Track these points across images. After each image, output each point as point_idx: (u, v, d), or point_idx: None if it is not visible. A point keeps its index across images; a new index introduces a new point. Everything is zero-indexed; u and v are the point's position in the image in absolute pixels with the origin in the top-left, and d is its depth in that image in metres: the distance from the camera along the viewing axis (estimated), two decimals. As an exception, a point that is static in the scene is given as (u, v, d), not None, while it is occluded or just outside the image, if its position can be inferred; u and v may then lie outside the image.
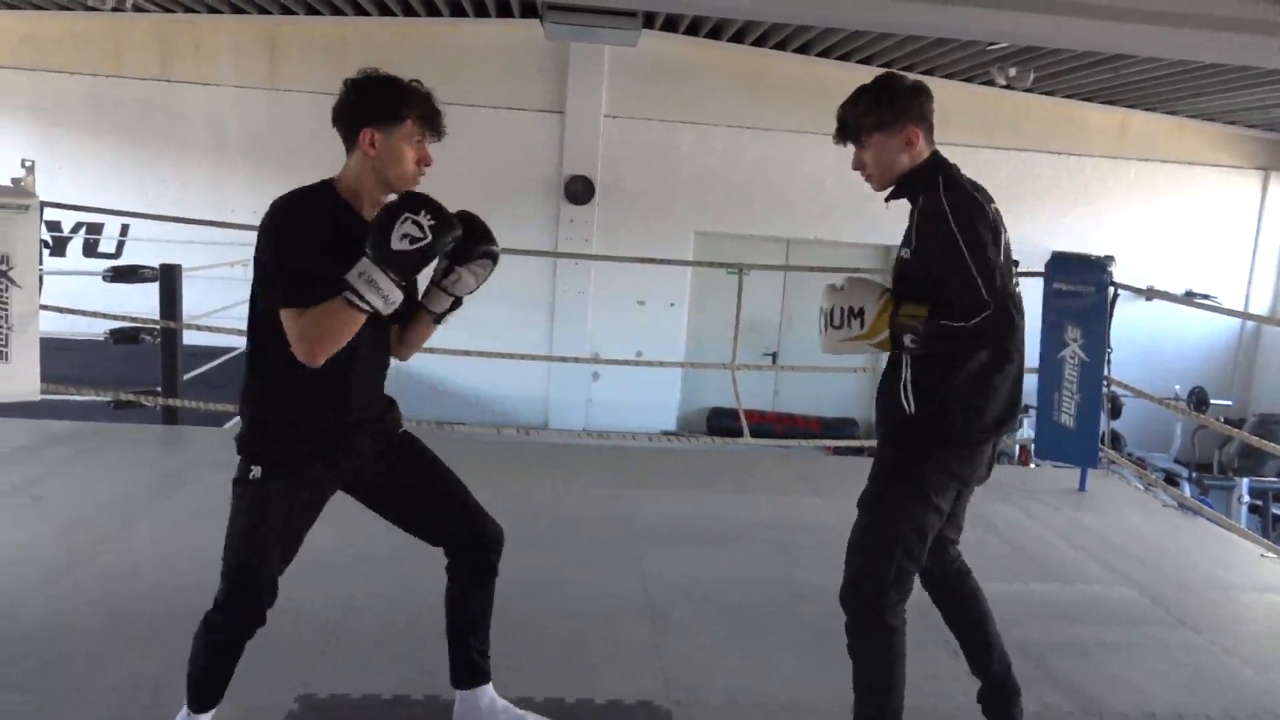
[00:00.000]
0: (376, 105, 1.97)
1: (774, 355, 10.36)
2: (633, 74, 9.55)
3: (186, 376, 5.44)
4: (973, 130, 10.03)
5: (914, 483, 2.11)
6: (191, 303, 5.55)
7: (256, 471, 2.03)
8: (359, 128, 1.97)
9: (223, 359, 6.31)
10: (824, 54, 9.48)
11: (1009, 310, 1.99)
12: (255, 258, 1.97)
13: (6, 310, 4.17)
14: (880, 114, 2.11)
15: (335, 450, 2.09)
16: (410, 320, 2.19)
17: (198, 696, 2.13)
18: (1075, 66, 8.47)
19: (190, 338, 5.64)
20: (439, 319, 2.20)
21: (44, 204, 4.63)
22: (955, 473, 2.13)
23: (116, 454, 4.60)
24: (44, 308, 4.52)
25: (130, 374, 5.74)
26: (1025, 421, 9.19)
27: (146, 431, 5.10)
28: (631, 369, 8.43)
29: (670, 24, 9.24)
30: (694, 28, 9.32)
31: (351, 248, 1.90)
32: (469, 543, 2.25)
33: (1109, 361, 4.83)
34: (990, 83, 9.27)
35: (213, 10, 9.02)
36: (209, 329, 5.63)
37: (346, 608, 3.01)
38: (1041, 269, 5.19)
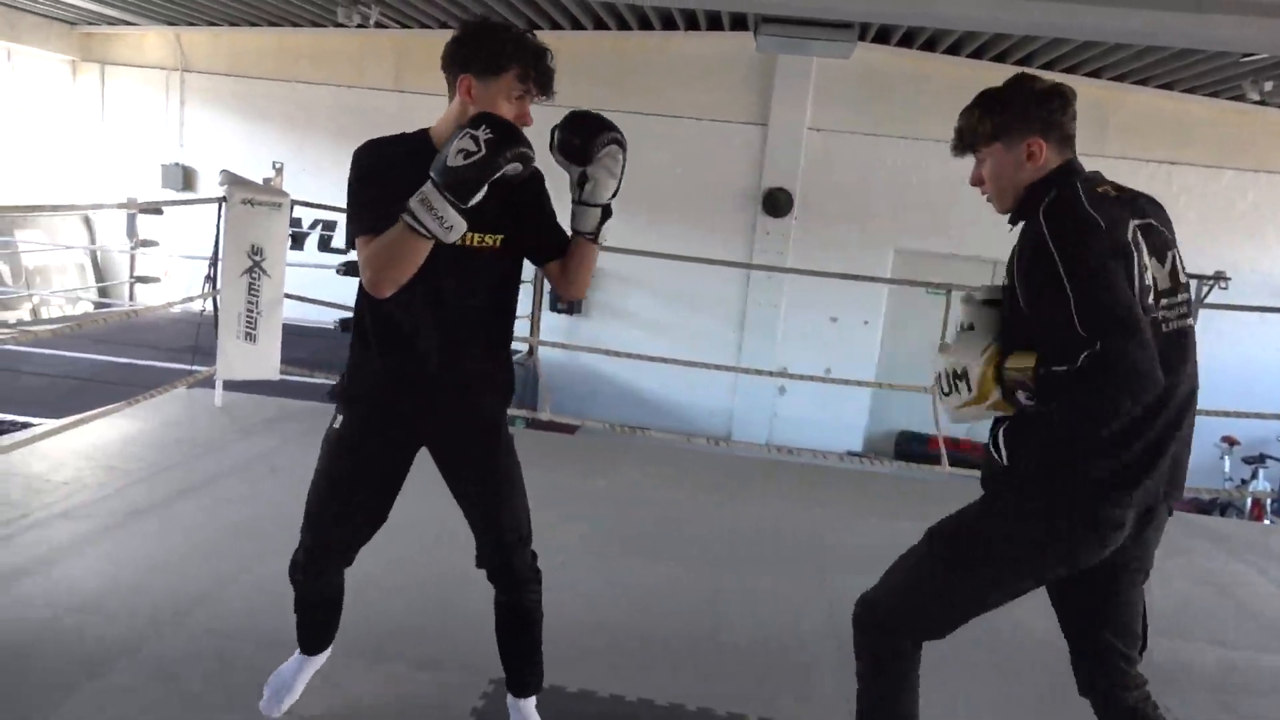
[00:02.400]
0: (478, 53, 1.87)
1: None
2: (839, 86, 9.39)
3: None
4: (1216, 150, 9.19)
5: (979, 532, 1.82)
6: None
7: (338, 420, 2.06)
8: (458, 74, 1.89)
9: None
10: (1048, 66, 8.94)
11: (1125, 343, 1.55)
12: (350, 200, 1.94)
13: (257, 297, 4.62)
14: (996, 120, 1.82)
15: (406, 399, 2.01)
16: (569, 253, 2.05)
17: (301, 638, 2.31)
18: (1346, 80, 7.56)
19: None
20: (594, 236, 2.00)
21: (294, 202, 5.09)
22: (1056, 550, 1.76)
23: (314, 438, 4.97)
24: (287, 296, 4.97)
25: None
26: (1260, 472, 8.31)
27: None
28: (819, 386, 8.27)
29: (882, 35, 9.01)
30: (908, 39, 9.05)
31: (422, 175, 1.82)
32: (500, 574, 2.15)
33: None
34: (1240, 98, 8.43)
35: (444, 26, 9.65)
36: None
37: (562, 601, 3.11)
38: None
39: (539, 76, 1.89)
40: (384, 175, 1.87)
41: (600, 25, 9.41)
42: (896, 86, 9.41)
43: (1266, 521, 6.85)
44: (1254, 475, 8.32)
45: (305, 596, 2.26)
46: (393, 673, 2.61)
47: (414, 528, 3.53)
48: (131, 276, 10.52)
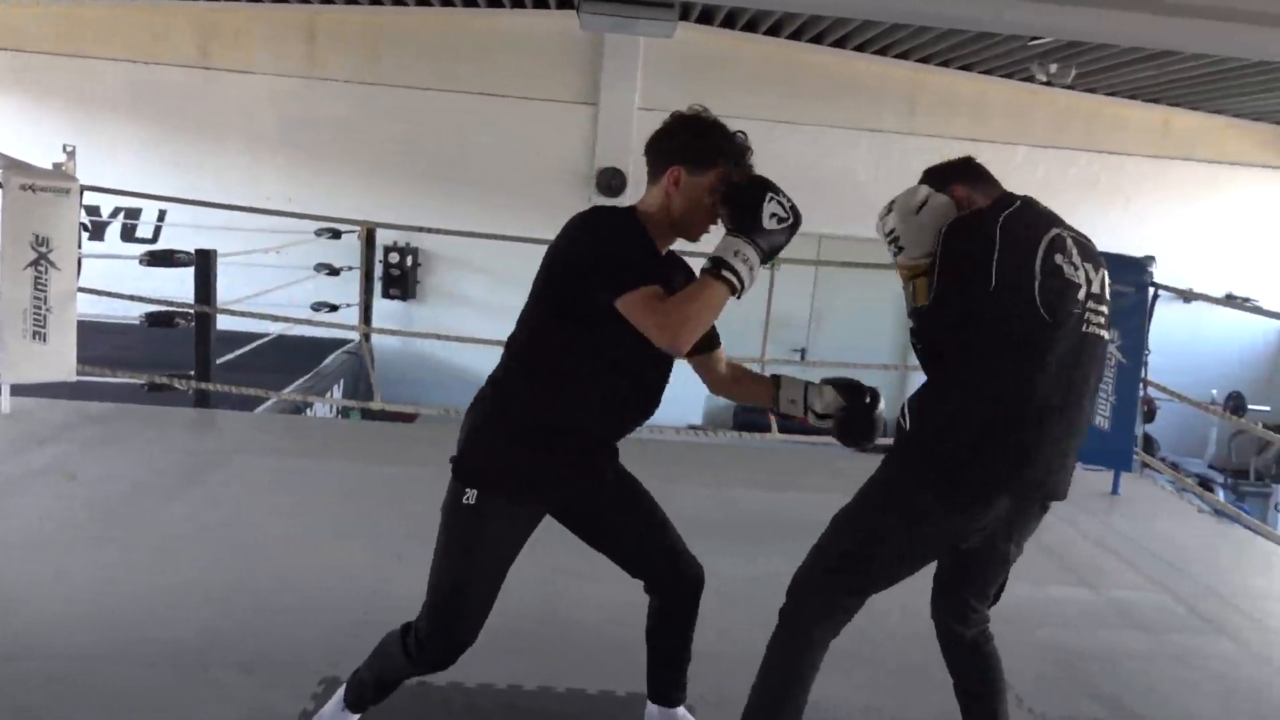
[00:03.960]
0: (692, 145, 1.95)
1: (803, 351, 10.30)
2: (667, 66, 9.51)
3: (219, 361, 5.49)
4: (1011, 128, 9.92)
5: (889, 492, 2.01)
6: (225, 288, 5.60)
7: (471, 496, 1.95)
8: (668, 164, 1.96)
9: (255, 344, 6.37)
10: (860, 48, 9.39)
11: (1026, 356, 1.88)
12: (555, 261, 1.92)
13: (45, 292, 4.23)
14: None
15: (582, 473, 2.04)
16: (740, 377, 2.31)
17: (360, 698, 2.14)
18: (1118, 63, 8.31)
19: (223, 323, 5.70)
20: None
21: (84, 188, 4.69)
22: (941, 524, 1.95)
23: (149, 435, 4.66)
24: (82, 290, 4.59)
25: (164, 357, 5.81)
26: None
27: (178, 414, 5.16)
28: (659, 362, 8.41)
29: (706, 16, 9.19)
30: (730, 20, 9.27)
31: (652, 269, 1.88)
32: (673, 584, 2.21)
33: (1146, 364, 4.74)
34: (1030, 79, 9.13)
35: (252, -1, 9.11)
36: (242, 314, 5.69)
37: (376, 593, 3.03)
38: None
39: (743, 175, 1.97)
40: (634, 241, 1.91)
41: (423, 2, 9.13)
42: (721, 66, 9.62)
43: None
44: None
45: (417, 672, 2.11)
46: (216, 680, 2.48)
47: (225, 529, 3.36)
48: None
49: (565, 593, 3.21)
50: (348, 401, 7.26)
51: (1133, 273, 4.73)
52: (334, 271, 8.61)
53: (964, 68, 9.54)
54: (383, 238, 9.08)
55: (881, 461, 2.07)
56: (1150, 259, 5.01)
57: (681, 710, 2.33)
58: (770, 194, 1.86)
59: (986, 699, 2.15)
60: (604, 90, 9.54)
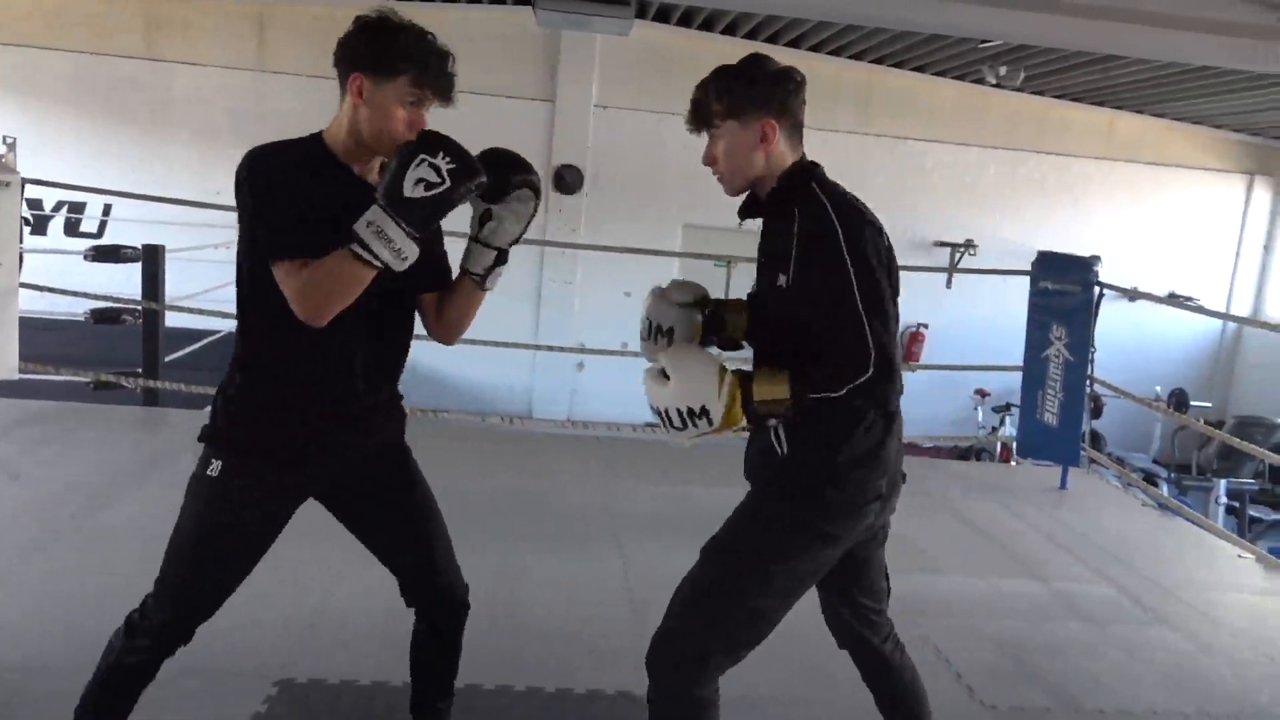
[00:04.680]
0: (373, 51, 1.73)
1: (760, 349, 10.36)
2: (624, 64, 9.52)
3: (168, 358, 5.39)
4: (963, 128, 10.09)
5: (770, 529, 1.78)
6: (174, 284, 5.49)
7: (216, 466, 1.79)
8: (349, 71, 1.74)
9: (205, 341, 6.26)
10: (815, 48, 9.48)
11: (892, 370, 1.65)
12: (239, 217, 1.74)
13: (-14, 287, 4.11)
14: (732, 98, 1.78)
15: (320, 444, 1.84)
16: (451, 291, 1.91)
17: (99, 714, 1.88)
18: (1065, 66, 8.50)
19: (172, 320, 5.58)
20: (483, 282, 1.88)
21: (25, 181, 4.56)
22: (824, 529, 1.76)
23: (95, 434, 4.55)
24: (24, 286, 4.46)
25: (111, 355, 5.69)
26: (1007, 419, 9.28)
27: (125, 413, 5.05)
28: (617, 360, 8.40)
29: (663, 15, 9.20)
30: (686, 19, 9.29)
31: (339, 205, 1.68)
32: (428, 600, 2.03)
33: (1093, 361, 4.86)
34: (981, 81, 9.30)
35: (200, -11, 8.93)
36: (191, 311, 5.58)
37: (329, 593, 2.99)
38: (1028, 268, 5.21)
39: (437, 82, 1.75)
40: (294, 190, 1.70)
41: (376, -5, 9.01)
42: (678, 65, 9.61)
43: (1012, 463, 7.66)
44: (1002, 422, 9.27)
45: (149, 668, 1.87)
46: (164, 686, 2.43)
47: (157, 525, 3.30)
48: None
49: (519, 589, 3.20)
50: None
51: (1079, 272, 4.84)
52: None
53: (918, 69, 9.68)
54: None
55: (751, 493, 1.88)
56: (1096, 258, 5.12)
57: None
58: (421, 155, 1.63)
59: (910, 706, 2.04)
60: (560, 87, 9.52)
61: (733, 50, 8.45)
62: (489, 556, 3.43)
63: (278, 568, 2.76)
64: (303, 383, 1.80)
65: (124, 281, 6.27)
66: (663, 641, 1.81)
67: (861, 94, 9.95)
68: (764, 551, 1.78)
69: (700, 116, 1.83)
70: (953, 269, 9.85)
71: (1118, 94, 9.59)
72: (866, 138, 9.98)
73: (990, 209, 10.24)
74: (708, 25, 9.36)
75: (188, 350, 5.97)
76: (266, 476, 1.81)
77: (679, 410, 1.69)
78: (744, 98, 1.78)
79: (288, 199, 1.70)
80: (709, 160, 1.85)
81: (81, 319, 5.43)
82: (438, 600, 2.03)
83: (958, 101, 9.98)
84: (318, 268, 1.66)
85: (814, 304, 1.69)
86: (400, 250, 1.64)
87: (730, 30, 9.37)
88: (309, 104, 9.64)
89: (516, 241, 1.89)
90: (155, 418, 5.04)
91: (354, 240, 1.63)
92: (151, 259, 5.24)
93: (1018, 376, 5.35)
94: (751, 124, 1.78)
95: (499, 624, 2.93)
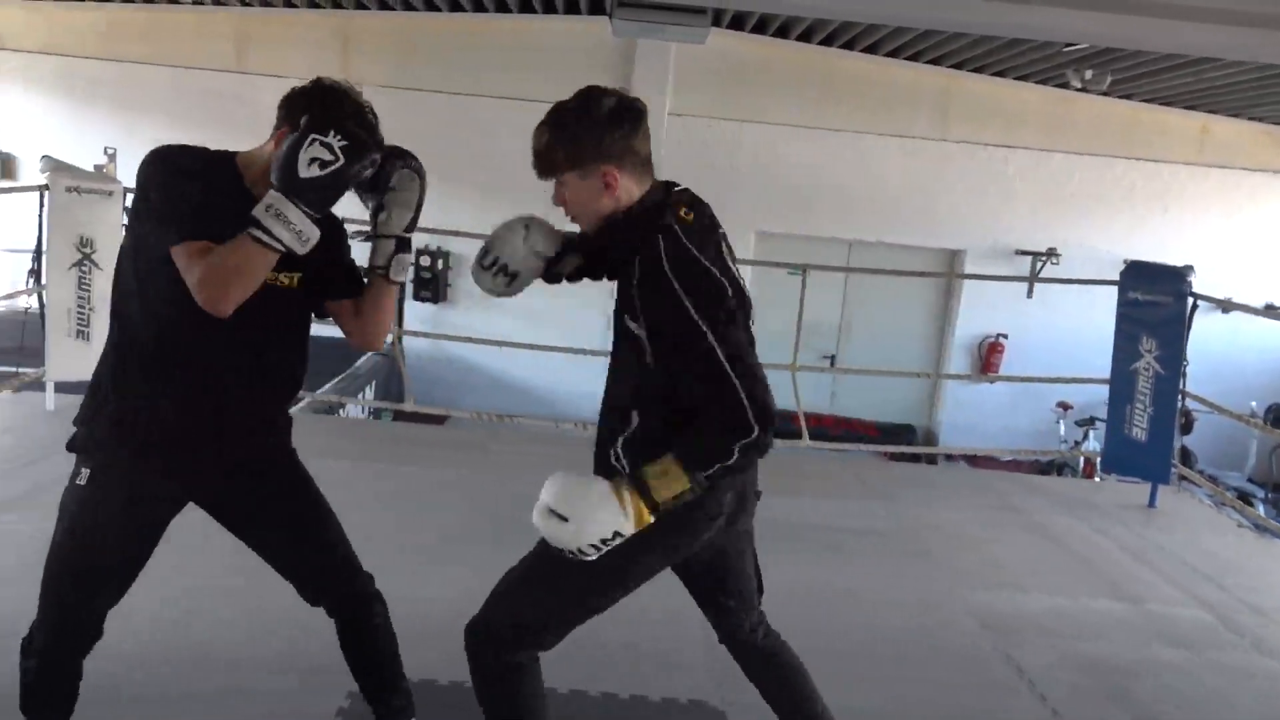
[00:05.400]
0: (348, 118, 1.74)
1: (832, 358, 10.25)
2: (698, 72, 9.52)
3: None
4: (1046, 134, 9.82)
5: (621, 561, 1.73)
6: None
7: (84, 474, 1.78)
8: (280, 125, 1.76)
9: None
10: (893, 54, 9.35)
11: (771, 418, 1.63)
12: (130, 215, 1.77)
13: (89, 292, 4.32)
14: (568, 149, 1.73)
15: (186, 454, 1.80)
16: (365, 294, 1.92)
17: (34, 710, 1.91)
18: (1156, 70, 8.21)
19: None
20: (388, 272, 1.87)
21: (127, 190, 4.77)
22: (670, 545, 1.78)
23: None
24: (123, 290, 4.66)
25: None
26: (1091, 434, 8.99)
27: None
28: (688, 367, 8.42)
29: (738, 22, 9.19)
30: (761, 26, 9.26)
31: (231, 214, 1.67)
32: (344, 603, 2.01)
33: (1185, 374, 4.68)
34: (1065, 85, 9.05)
35: (289, 4, 9.23)
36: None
37: (406, 598, 3.05)
38: (1115, 277, 5.05)
39: (371, 189, 1.82)
40: (195, 181, 1.73)
41: (456, 7, 9.21)
42: (752, 72, 9.62)
43: (1096, 478, 7.41)
44: (1085, 436, 8.99)
45: (50, 674, 1.87)
46: (249, 682, 2.51)
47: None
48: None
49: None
50: (380, 403, 7.34)
51: (1171, 282, 4.67)
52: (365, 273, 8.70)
53: (998, 73, 9.46)
54: (414, 241, 9.13)
55: None
56: (1189, 268, 4.94)
57: None
58: (313, 135, 1.63)
59: (802, 703, 2.06)
60: (634, 96, 9.56)
61: (808, 57, 8.42)
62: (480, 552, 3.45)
63: (363, 559, 2.82)
64: (172, 393, 1.77)
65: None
66: (481, 621, 1.82)
67: (940, 99, 9.78)
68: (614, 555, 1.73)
69: (543, 167, 1.77)
70: (1034, 278, 9.59)
71: (1212, 97, 9.22)
72: (945, 144, 9.80)
73: (1074, 216, 9.94)
74: (782, 32, 9.31)
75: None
76: (133, 482, 1.78)
77: (592, 545, 1.64)
78: (581, 149, 1.72)
79: (191, 189, 1.71)
80: (558, 202, 1.82)
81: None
82: (339, 601, 2.01)
83: (1041, 106, 9.73)
84: (219, 253, 1.65)
85: (674, 363, 1.67)
86: (300, 232, 1.64)
87: (805, 37, 9.31)
88: (389, 114, 9.84)
89: (412, 227, 1.89)
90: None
91: (253, 224, 1.63)
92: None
93: (1103, 389, 5.18)
94: (592, 174, 1.73)
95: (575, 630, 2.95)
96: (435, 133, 9.62)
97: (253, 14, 9.31)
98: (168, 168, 1.74)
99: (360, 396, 7.40)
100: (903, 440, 9.70)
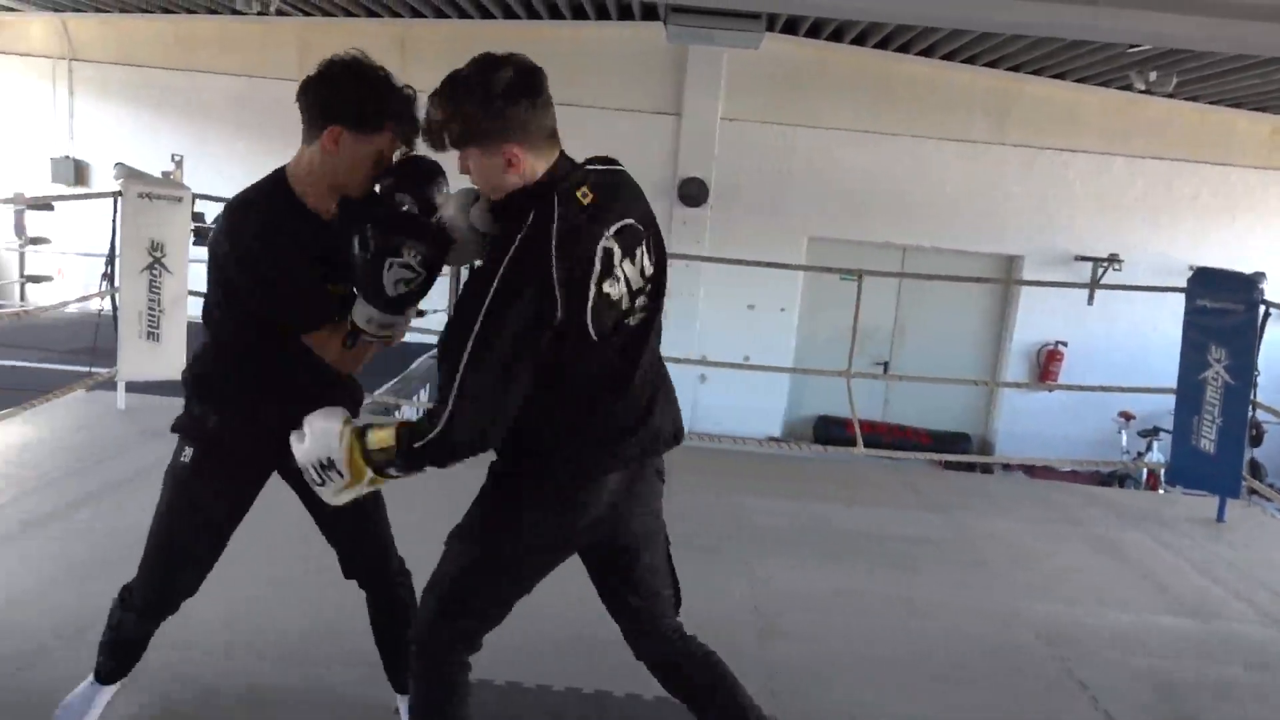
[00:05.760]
0: (354, 105, 1.74)
1: (885, 365, 10.14)
2: (751, 77, 9.50)
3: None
4: (1108, 137, 9.61)
5: (501, 535, 1.81)
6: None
7: (188, 454, 1.94)
8: (326, 123, 1.76)
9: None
10: (949, 56, 9.23)
11: (469, 451, 1.66)
12: (217, 262, 1.83)
13: (159, 294, 4.45)
14: (465, 125, 1.62)
15: (282, 430, 1.86)
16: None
17: (103, 666, 2.14)
18: (1223, 71, 7.98)
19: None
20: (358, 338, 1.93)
21: (195, 196, 4.91)
22: (543, 534, 1.81)
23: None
24: (192, 293, 4.79)
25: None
26: (1155, 445, 8.76)
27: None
28: (739, 373, 8.38)
29: (791, 26, 9.15)
30: (815, 30, 9.21)
31: (314, 257, 1.79)
32: (365, 575, 2.15)
33: (1256, 385, 4.54)
34: (1128, 87, 8.83)
35: (349, 13, 9.42)
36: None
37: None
38: (1180, 284, 4.92)
39: (410, 135, 1.79)
40: (295, 258, 1.80)
41: (510, 15, 9.31)
42: (806, 77, 9.57)
43: (1161, 491, 7.22)
44: (1149, 447, 8.76)
45: (130, 637, 2.10)
46: (319, 673, 2.56)
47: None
48: (21, 276, 10.00)
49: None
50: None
51: (1241, 290, 4.54)
52: (422, 278, 8.84)
53: (1058, 76, 9.29)
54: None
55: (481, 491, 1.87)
56: (1260, 275, 4.78)
57: None
58: (389, 260, 1.68)
59: (722, 695, 2.03)
60: (687, 101, 9.58)
61: (862, 60, 8.37)
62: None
63: (423, 569, 2.86)
64: (265, 373, 1.90)
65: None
66: (417, 627, 1.87)
67: (997, 103, 9.62)
68: (489, 532, 1.83)
69: (438, 142, 1.66)
70: (1095, 284, 9.38)
71: (1282, 99, 8.94)
72: (1003, 148, 9.64)
73: (1137, 222, 9.71)
74: (836, 36, 9.25)
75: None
76: (234, 461, 1.94)
77: (315, 464, 1.72)
78: (482, 126, 1.62)
79: (292, 266, 1.79)
80: (463, 170, 1.70)
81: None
82: (372, 576, 2.14)
83: (1102, 109, 9.52)
84: (343, 350, 1.83)
85: (444, 339, 1.66)
86: (395, 327, 1.81)
87: (860, 40, 9.23)
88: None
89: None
90: (303, 419, 5.33)
91: (357, 330, 1.79)
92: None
93: (1167, 399, 5.05)
94: (495, 152, 1.63)
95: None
96: (490, 139, 9.76)
97: (315, 23, 9.51)
98: (270, 250, 1.78)
99: (415, 398, 7.50)
100: (957, 449, 9.55)
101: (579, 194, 1.67)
